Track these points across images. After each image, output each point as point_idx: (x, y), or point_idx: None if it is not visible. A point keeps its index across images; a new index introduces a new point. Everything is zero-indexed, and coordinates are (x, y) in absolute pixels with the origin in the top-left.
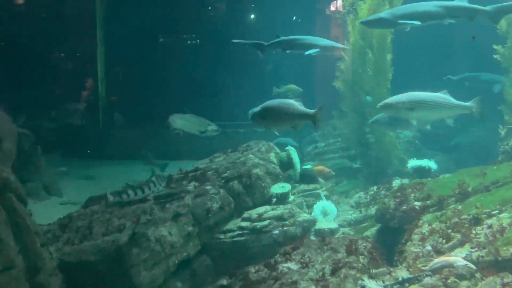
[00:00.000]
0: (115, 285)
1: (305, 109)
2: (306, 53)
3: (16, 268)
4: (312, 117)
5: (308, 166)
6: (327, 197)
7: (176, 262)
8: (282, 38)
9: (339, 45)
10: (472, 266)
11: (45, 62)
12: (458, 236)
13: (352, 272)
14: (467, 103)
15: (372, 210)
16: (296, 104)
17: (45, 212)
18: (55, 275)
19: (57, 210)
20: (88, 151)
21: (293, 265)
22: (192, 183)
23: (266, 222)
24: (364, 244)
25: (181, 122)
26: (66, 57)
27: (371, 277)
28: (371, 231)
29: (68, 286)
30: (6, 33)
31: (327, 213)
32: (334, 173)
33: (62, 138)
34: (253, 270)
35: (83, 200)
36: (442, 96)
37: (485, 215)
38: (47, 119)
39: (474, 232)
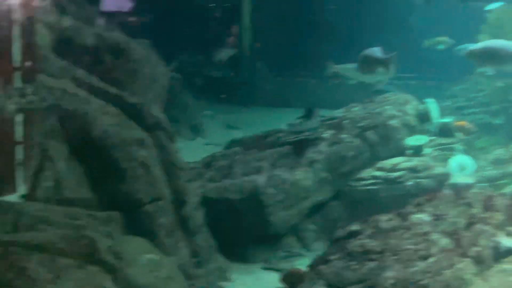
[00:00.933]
0: (251, 222)
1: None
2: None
3: (164, 200)
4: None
5: (447, 120)
6: (465, 152)
7: (309, 205)
8: None
9: None
10: None
11: (193, 10)
12: None
13: (487, 228)
14: None
15: None
16: (379, 52)
17: (191, 151)
18: (198, 209)
19: (202, 150)
20: (224, 95)
21: (425, 217)
22: (329, 131)
23: (399, 173)
24: (502, 200)
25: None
26: (213, 4)
27: (508, 234)
28: (510, 189)
29: (209, 220)
30: None
31: (463, 168)
32: (476, 129)
33: (208, 84)
34: (384, 218)
35: (226, 142)
36: None
37: None
38: (196, 65)
39: None
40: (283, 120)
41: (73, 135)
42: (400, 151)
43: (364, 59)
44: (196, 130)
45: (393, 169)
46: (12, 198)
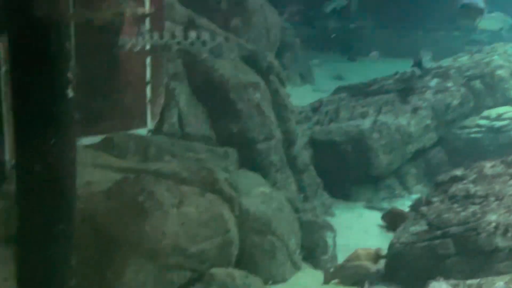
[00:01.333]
0: (355, 163)
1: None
2: None
3: (275, 139)
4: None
5: None
6: None
7: (412, 150)
8: None
9: None
10: None
11: None
12: None
13: None
14: None
15: None
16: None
17: (300, 96)
18: (305, 149)
19: (310, 96)
20: (333, 35)
21: None
22: (435, 80)
23: (505, 122)
24: None
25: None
26: None
27: None
28: None
29: (316, 160)
30: None
31: None
32: None
33: (318, 34)
34: (488, 165)
35: (332, 89)
36: None
37: None
38: (307, 16)
39: None
40: (388, 70)
41: (195, 77)
42: (507, 101)
43: (461, 7)
44: (304, 77)
45: (498, 118)
46: (142, 131)
